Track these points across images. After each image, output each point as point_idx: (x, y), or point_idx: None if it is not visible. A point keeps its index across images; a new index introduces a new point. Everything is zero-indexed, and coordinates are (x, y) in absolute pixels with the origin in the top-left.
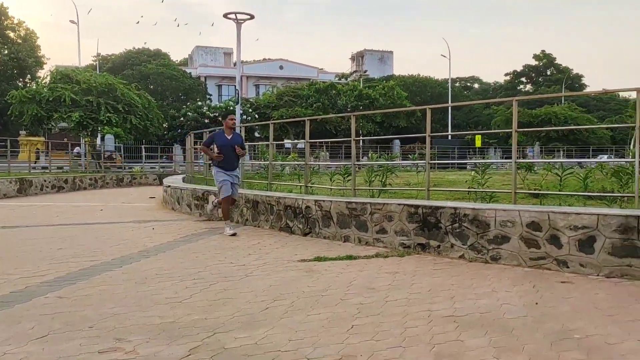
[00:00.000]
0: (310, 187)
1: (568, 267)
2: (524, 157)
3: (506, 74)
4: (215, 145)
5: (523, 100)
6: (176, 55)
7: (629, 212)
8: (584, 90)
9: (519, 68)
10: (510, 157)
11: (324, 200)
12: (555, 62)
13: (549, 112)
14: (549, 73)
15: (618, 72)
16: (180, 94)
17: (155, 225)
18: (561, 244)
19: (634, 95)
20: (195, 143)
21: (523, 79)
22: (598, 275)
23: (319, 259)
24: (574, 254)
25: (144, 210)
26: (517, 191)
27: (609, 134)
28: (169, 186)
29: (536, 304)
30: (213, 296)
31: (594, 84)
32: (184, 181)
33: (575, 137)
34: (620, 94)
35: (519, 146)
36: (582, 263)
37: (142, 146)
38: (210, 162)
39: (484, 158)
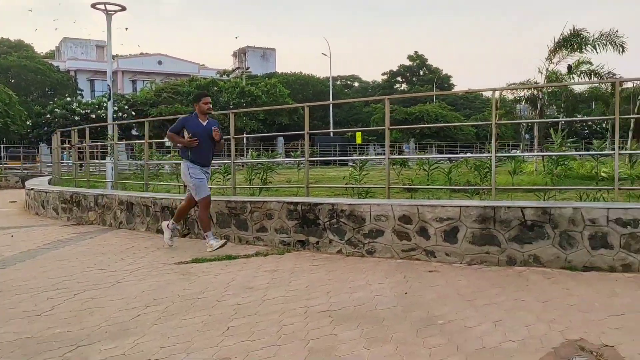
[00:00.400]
0: None
1: (435, 257)
2: (400, 153)
3: (383, 74)
4: (185, 134)
5: (398, 99)
6: (41, 47)
7: (486, 203)
8: (452, 90)
9: (395, 68)
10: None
11: None
12: (427, 62)
13: (422, 110)
14: (421, 73)
15: (483, 73)
16: (46, 89)
17: (15, 232)
18: (429, 235)
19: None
20: (62, 142)
21: (399, 79)
22: (461, 263)
23: (196, 260)
24: (440, 244)
25: (3, 217)
26: (391, 186)
27: (474, 131)
28: (32, 189)
29: (405, 293)
30: (79, 306)
31: (461, 84)
32: (50, 183)
33: (445, 133)
34: (484, 93)
35: (396, 142)
36: (447, 252)
37: (2, 145)
38: (181, 154)
39: (363, 154)
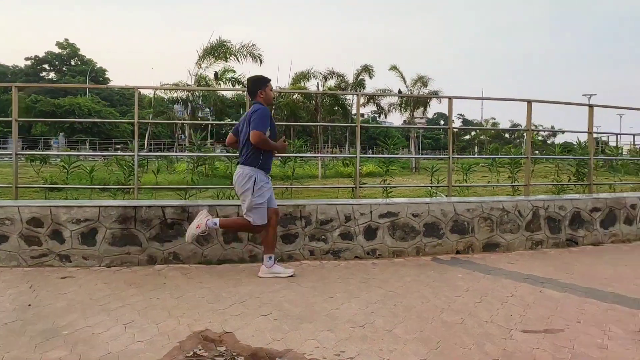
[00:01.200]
0: None
1: (71, 262)
2: (47, 149)
3: (27, 59)
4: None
5: (45, 88)
6: None
7: (127, 202)
8: (109, 84)
9: (42, 54)
10: (34, 149)
11: None
12: (80, 52)
13: (72, 103)
14: (73, 63)
15: (143, 70)
16: None
17: None
18: (64, 239)
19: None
20: None
21: (46, 66)
22: (100, 265)
23: None
24: (76, 247)
25: None
26: (25, 185)
27: (130, 128)
28: None
29: (29, 305)
30: None
31: (119, 79)
32: None
33: (100, 129)
34: (142, 91)
35: (42, 137)
36: (84, 256)
37: None
38: (250, 161)
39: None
